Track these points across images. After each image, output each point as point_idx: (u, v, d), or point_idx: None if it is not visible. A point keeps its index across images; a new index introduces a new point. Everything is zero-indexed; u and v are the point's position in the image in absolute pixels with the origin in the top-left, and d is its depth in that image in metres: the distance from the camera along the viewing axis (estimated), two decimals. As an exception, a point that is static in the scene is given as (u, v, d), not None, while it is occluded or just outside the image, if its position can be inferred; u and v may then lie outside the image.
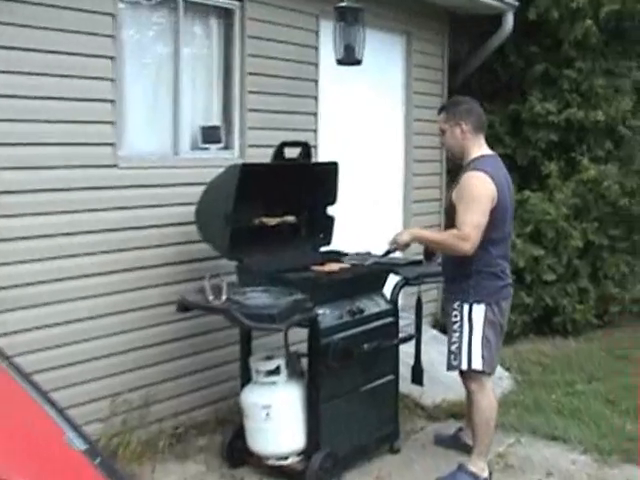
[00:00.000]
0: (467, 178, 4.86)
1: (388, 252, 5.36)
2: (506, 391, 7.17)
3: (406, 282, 5.71)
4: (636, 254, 9.50)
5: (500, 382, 7.40)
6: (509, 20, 8.56)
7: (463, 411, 6.07)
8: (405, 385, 5.99)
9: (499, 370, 7.64)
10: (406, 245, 5.19)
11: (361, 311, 5.28)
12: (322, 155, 7.04)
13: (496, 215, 4.83)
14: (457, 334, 5.05)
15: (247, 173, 5.05)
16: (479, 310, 4.97)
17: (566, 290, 8.94)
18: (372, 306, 5.43)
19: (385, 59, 8.06)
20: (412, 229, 5.29)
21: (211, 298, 4.63)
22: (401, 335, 5.66)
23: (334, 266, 5.52)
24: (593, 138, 9.02)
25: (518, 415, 6.58)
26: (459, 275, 5.04)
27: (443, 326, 8.33)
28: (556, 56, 9.08)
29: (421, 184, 8.64)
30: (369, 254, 5.89)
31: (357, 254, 6.00)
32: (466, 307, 5.00)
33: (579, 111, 8.79)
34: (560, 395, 7.20)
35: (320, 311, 4.95)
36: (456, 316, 5.05)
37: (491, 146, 9.08)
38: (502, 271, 5.02)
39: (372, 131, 7.99)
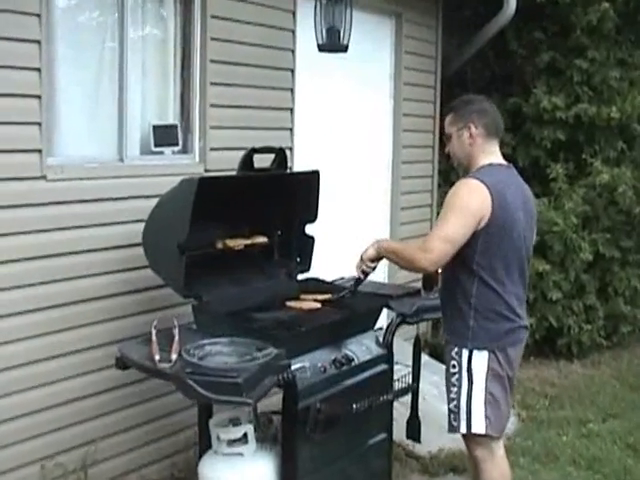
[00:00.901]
0: (456, 186, 4.01)
1: (359, 281, 4.42)
2: (511, 432, 6.25)
3: (403, 320, 4.75)
4: (650, 268, 8.57)
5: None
6: (511, 2, 7.62)
7: (465, 464, 5.21)
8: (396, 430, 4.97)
9: None
10: (373, 261, 4.27)
11: (349, 360, 4.29)
12: (298, 157, 6.14)
13: (489, 236, 3.89)
14: (455, 389, 4.06)
15: (206, 188, 4.02)
16: (480, 359, 3.99)
17: (572, 308, 8.01)
18: (362, 352, 4.44)
19: (371, 45, 7.12)
20: (379, 241, 4.27)
21: (157, 358, 3.58)
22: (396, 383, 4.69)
23: (314, 302, 4.53)
24: (604, 137, 8.04)
25: (529, 469, 5.76)
26: (456, 313, 4.07)
27: (434, 348, 7.49)
28: (564, 44, 8.17)
29: (410, 188, 7.70)
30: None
31: (342, 282, 5.09)
32: (465, 354, 4.02)
33: (591, 107, 7.80)
34: (572, 437, 6.40)
35: (298, 365, 3.92)
36: (454, 366, 4.07)
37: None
38: (510, 310, 4.02)
39: (356, 129, 7.06)
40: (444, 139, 4.26)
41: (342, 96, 6.77)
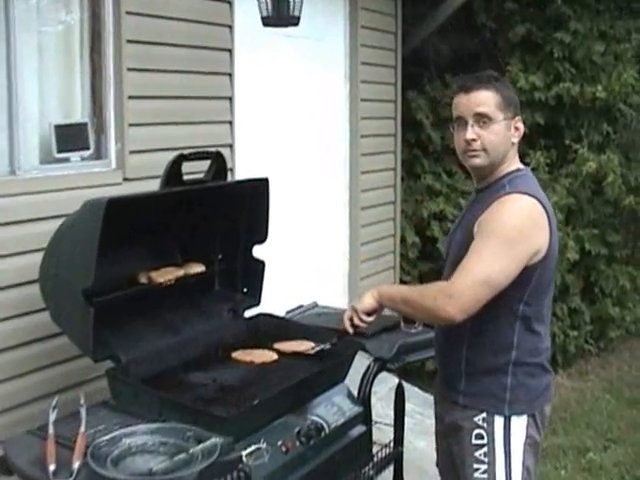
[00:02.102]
0: (504, 203, 2.91)
1: (343, 335, 3.39)
2: None
3: (382, 366, 3.73)
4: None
5: None
6: (478, -32, 6.69)
7: None
8: None
9: None
10: (370, 314, 3.19)
11: (318, 430, 3.27)
12: (240, 156, 5.19)
13: (545, 271, 2.92)
14: (484, 466, 3.00)
15: (119, 210, 2.96)
16: (519, 426, 3.00)
17: (555, 313, 7.11)
18: (334, 416, 3.44)
19: (323, 19, 6.14)
20: (379, 287, 3.23)
21: (52, 469, 2.51)
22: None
23: (267, 352, 3.54)
24: (588, 120, 7.13)
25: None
26: (481, 369, 3.04)
27: (409, 372, 6.53)
28: (542, 14, 7.35)
29: (371, 184, 6.72)
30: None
31: (301, 313, 4.14)
32: (499, 423, 2.99)
33: (574, 86, 6.89)
34: (572, 471, 5.57)
35: (252, 448, 2.88)
36: (480, 436, 3.01)
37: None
38: (547, 357, 3.10)
39: (307, 118, 6.07)
40: (467, 120, 3.00)
41: (290, 80, 5.80)
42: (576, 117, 7.26)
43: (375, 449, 3.70)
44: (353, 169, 6.52)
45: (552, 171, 7.20)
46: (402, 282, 7.12)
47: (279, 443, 3.07)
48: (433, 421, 5.92)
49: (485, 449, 3.00)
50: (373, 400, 3.79)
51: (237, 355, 3.51)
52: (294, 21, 4.24)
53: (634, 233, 7.61)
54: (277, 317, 3.94)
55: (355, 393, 3.66)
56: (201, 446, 2.61)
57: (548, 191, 6.89)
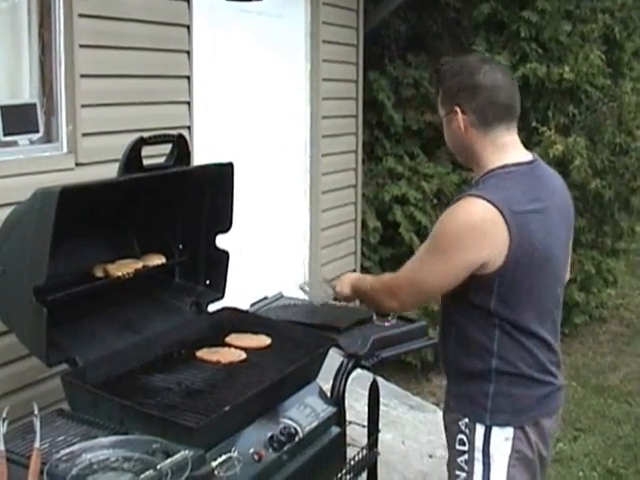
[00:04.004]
0: (451, 207, 2.71)
1: None
2: None
3: (356, 364, 3.51)
4: (604, 249, 7.53)
5: None
6: (442, -58, 6.39)
7: None
8: None
9: None
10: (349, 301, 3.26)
11: (291, 436, 3.02)
12: (199, 138, 4.89)
13: (511, 280, 2.65)
14: (464, 474, 2.79)
15: (73, 200, 2.69)
16: (501, 438, 2.75)
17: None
18: (307, 418, 3.21)
19: None
20: (350, 276, 3.14)
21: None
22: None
23: (234, 350, 3.30)
24: (554, 101, 6.91)
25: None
26: (467, 372, 2.83)
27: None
28: None
29: (332, 167, 6.46)
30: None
31: (267, 305, 3.90)
32: (479, 431, 2.76)
33: (541, 66, 6.66)
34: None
35: (223, 458, 2.66)
36: (462, 442, 2.80)
37: (420, 112, 7.18)
38: (544, 370, 2.80)
39: (268, 97, 5.77)
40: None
41: (250, 59, 5.49)
42: (542, 98, 7.03)
43: (351, 452, 3.50)
44: (314, 152, 6.26)
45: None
46: (363, 268, 6.91)
47: (251, 451, 2.84)
48: (398, 412, 5.77)
49: (466, 456, 2.80)
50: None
51: (202, 354, 3.26)
52: (259, -4, 3.99)
53: (599, 217, 7.41)
54: (242, 311, 3.70)
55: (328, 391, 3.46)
56: (170, 461, 2.37)
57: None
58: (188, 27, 4.71)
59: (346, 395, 3.53)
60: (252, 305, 3.89)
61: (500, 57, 6.72)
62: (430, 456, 5.19)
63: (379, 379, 3.91)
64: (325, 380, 3.47)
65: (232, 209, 3.57)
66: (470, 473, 2.78)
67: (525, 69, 6.78)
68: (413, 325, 3.79)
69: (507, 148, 2.71)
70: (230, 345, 3.39)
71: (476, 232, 2.60)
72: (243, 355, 3.27)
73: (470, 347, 2.78)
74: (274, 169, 5.85)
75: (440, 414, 6.03)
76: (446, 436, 2.92)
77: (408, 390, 6.21)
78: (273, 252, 5.80)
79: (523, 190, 2.67)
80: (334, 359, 3.52)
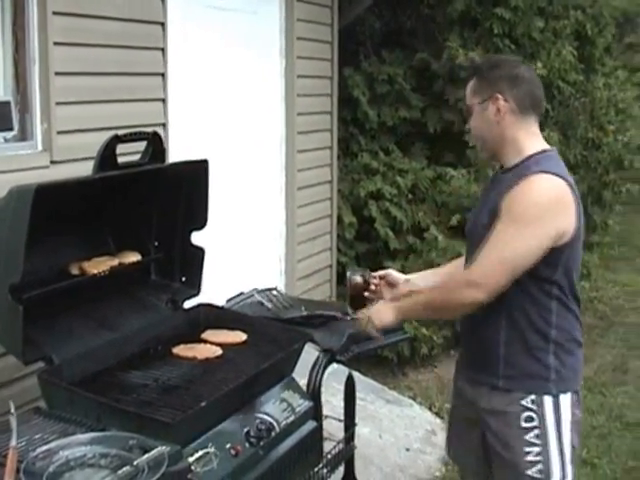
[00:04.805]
0: (527, 183, 2.85)
1: None
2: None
3: (331, 358, 3.53)
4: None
5: (433, 438, 5.49)
6: (417, -60, 6.41)
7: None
8: None
9: (430, 419, 5.77)
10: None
11: (268, 430, 3.06)
12: (174, 135, 4.87)
13: (574, 251, 2.93)
14: (538, 449, 2.94)
15: (48, 197, 2.70)
16: (566, 404, 2.99)
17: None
18: (283, 413, 3.25)
19: None
20: (395, 307, 3.11)
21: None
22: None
23: (210, 346, 3.33)
24: (532, 97, 6.96)
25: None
26: (521, 349, 2.97)
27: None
28: None
29: (308, 164, 6.48)
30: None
31: (243, 300, 3.92)
32: (549, 402, 2.95)
33: (514, 62, 6.69)
34: None
35: (200, 453, 2.69)
36: (531, 419, 2.95)
37: (395, 108, 7.21)
38: (582, 332, 3.14)
39: (243, 94, 5.77)
40: (464, 113, 3.18)
41: (225, 56, 5.48)
42: (515, 94, 7.07)
43: (327, 446, 3.53)
44: (289, 148, 6.27)
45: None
46: (339, 264, 6.93)
47: (227, 446, 2.86)
48: (375, 407, 5.77)
49: (537, 431, 2.94)
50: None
51: (178, 351, 3.28)
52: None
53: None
54: (218, 307, 3.72)
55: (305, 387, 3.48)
56: (146, 456, 2.38)
57: (488, 169, 6.77)
58: (162, 24, 4.70)
59: (323, 390, 3.56)
60: (228, 301, 3.91)
61: (474, 53, 6.76)
62: (407, 449, 5.23)
63: (356, 374, 3.96)
64: (302, 375, 3.49)
65: (207, 206, 3.58)
66: (544, 445, 2.93)
67: (499, 65, 6.77)
68: (388, 320, 3.81)
69: (538, 137, 2.99)
70: (206, 341, 3.41)
71: (559, 203, 2.81)
72: (219, 351, 3.29)
73: (527, 324, 2.92)
74: (250, 166, 5.85)
75: (416, 407, 6.10)
76: (493, 421, 3.00)
77: (385, 384, 6.25)
78: (249, 248, 5.81)
79: (566, 171, 2.93)
80: (310, 354, 3.55)
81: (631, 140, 7.40)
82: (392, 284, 3.34)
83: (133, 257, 3.53)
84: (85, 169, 3.26)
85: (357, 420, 3.85)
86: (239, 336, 3.47)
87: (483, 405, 3.02)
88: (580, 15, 7.38)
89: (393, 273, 3.40)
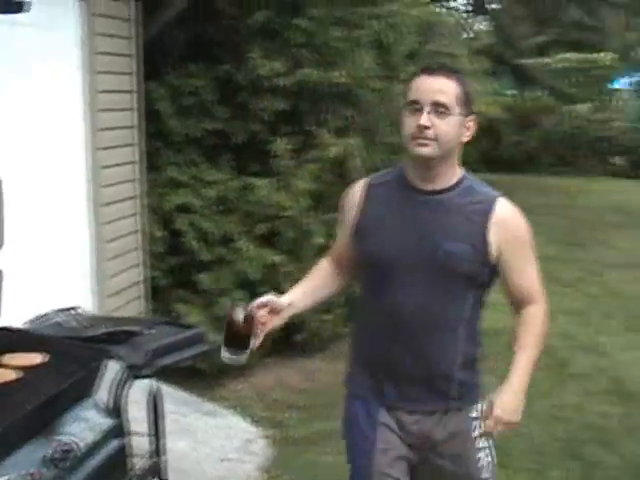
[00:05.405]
0: (516, 213, 3.04)
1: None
2: (266, 462, 5.32)
3: (135, 374, 3.53)
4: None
5: (251, 447, 5.56)
6: (215, -47, 6.44)
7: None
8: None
9: (247, 429, 5.83)
10: None
11: (67, 452, 2.99)
12: None
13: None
14: (487, 449, 3.10)
15: None
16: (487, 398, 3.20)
17: (307, 299, 7.04)
18: (84, 433, 3.16)
19: (47, 7, 5.45)
20: (521, 399, 2.99)
21: None
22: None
23: (6, 371, 3.23)
24: (330, 105, 7.14)
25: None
26: (475, 361, 3.11)
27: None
28: (280, 1, 7.15)
29: (113, 179, 6.39)
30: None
31: (45, 322, 3.83)
32: (483, 403, 3.11)
33: (314, 71, 6.84)
34: (338, 455, 5.38)
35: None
36: (477, 427, 3.06)
37: (198, 120, 7.18)
38: None
39: (38, 112, 5.59)
40: (423, 106, 2.84)
41: (18, 72, 5.27)
42: (318, 102, 7.20)
43: (136, 463, 3.50)
44: (93, 164, 6.12)
45: (297, 158, 7.12)
46: (152, 279, 6.84)
47: (24, 472, 2.79)
48: (190, 419, 5.74)
49: (482, 434, 3.04)
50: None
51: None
52: (25, 8, 3.85)
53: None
54: (16, 330, 3.62)
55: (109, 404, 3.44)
56: None
57: (293, 178, 6.88)
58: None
59: (132, 406, 3.53)
60: (27, 323, 3.81)
61: (276, 63, 6.85)
62: (223, 460, 5.26)
63: (170, 388, 3.95)
64: (108, 392, 3.46)
65: (2, 227, 3.49)
66: (490, 444, 3.08)
67: (301, 75, 6.92)
68: (190, 331, 3.84)
69: None
70: (4, 365, 3.31)
71: None
72: (18, 374, 3.20)
73: (477, 336, 3.05)
74: (50, 184, 5.68)
75: (233, 418, 6.11)
76: (451, 447, 3.04)
77: (202, 396, 6.26)
78: (53, 268, 5.65)
79: None
80: (114, 371, 3.51)
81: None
82: (275, 311, 3.10)
83: None
84: None
85: (172, 434, 3.85)
86: (39, 358, 3.39)
87: (438, 437, 3.03)
88: (379, 24, 7.60)
89: (273, 299, 3.12)
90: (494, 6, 25.73)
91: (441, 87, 2.84)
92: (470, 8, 25.15)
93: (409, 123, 2.87)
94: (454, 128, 2.86)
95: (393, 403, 3.05)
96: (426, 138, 2.82)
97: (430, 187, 2.94)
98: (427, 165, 2.91)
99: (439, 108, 2.82)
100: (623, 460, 5.44)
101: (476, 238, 2.90)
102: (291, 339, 7.18)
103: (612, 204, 16.36)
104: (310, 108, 7.18)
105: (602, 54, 27.04)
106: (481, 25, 28.62)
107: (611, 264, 11.28)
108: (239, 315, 3.01)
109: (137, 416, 3.81)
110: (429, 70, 2.91)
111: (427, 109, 2.81)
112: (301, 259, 6.91)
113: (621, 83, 29.04)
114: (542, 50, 26.52)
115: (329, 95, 7.18)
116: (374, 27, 7.59)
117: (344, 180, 7.14)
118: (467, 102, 2.90)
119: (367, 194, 3.07)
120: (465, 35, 22.17)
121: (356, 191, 3.12)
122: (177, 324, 4.11)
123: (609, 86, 28.37)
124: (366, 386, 3.12)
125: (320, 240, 6.91)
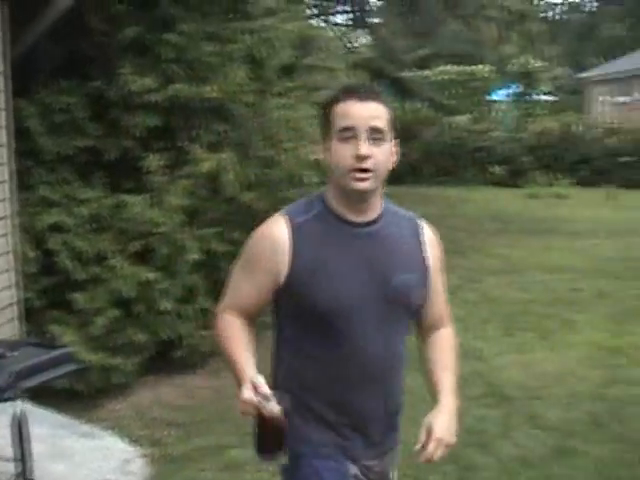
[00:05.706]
0: (430, 229, 2.94)
1: None
2: None
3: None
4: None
5: (129, 466, 5.52)
6: (82, -33, 6.36)
7: None
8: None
9: (125, 449, 5.78)
10: None
11: None
12: None
13: None
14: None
15: None
16: None
17: (184, 315, 7.02)
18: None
19: None
20: (454, 419, 2.94)
21: None
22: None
23: None
24: (202, 120, 7.14)
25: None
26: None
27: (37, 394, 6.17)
28: (151, 17, 7.11)
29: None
30: None
31: None
32: None
33: (186, 86, 6.84)
34: (215, 471, 5.47)
35: None
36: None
37: (69, 137, 7.03)
38: None
39: None
40: (359, 133, 2.61)
41: None
42: (190, 118, 7.18)
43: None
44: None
45: (170, 173, 7.07)
46: (26, 300, 6.68)
47: None
48: (67, 442, 5.66)
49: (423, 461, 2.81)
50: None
51: None
52: None
53: (254, 228, 7.67)
54: None
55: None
56: None
57: (166, 194, 6.83)
58: None
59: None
60: None
61: (148, 79, 6.78)
62: (102, 482, 5.19)
63: (46, 411, 3.88)
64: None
65: None
66: None
67: (171, 90, 6.88)
68: (58, 351, 3.81)
69: None
70: None
71: None
72: None
73: (401, 372, 2.94)
74: None
75: (110, 439, 6.03)
76: (395, 468, 3.03)
77: (79, 418, 6.15)
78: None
79: None
80: None
81: (304, 156, 7.74)
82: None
83: None
84: None
85: (48, 458, 3.80)
86: None
87: (390, 471, 2.98)
88: (252, 39, 7.60)
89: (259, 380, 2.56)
90: (375, 20, 26.15)
91: (375, 111, 2.62)
92: (351, 22, 25.54)
93: (343, 153, 2.61)
94: (388, 156, 2.68)
95: (359, 453, 2.82)
96: (366, 171, 2.61)
97: (361, 219, 2.73)
98: (362, 198, 2.70)
99: (376, 134, 2.60)
100: (499, 462, 5.57)
101: (417, 263, 2.79)
102: (170, 355, 7.13)
103: (490, 212, 16.85)
104: (182, 124, 7.16)
105: (480, 66, 27.89)
106: (362, 39, 29.12)
107: (489, 271, 11.62)
108: (275, 408, 2.45)
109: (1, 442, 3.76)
110: (356, 94, 2.63)
111: (364, 136, 2.59)
112: (175, 275, 6.88)
113: (499, 94, 29.97)
114: (423, 63, 27.14)
115: (201, 110, 7.16)
116: (247, 42, 7.58)
117: (218, 195, 7.18)
118: (395, 126, 2.70)
119: (294, 235, 2.71)
120: (345, 49, 22.49)
121: (278, 233, 2.73)
122: (45, 345, 4.06)
123: (487, 97, 29.25)
124: (326, 442, 2.77)
125: (194, 256, 6.89)
